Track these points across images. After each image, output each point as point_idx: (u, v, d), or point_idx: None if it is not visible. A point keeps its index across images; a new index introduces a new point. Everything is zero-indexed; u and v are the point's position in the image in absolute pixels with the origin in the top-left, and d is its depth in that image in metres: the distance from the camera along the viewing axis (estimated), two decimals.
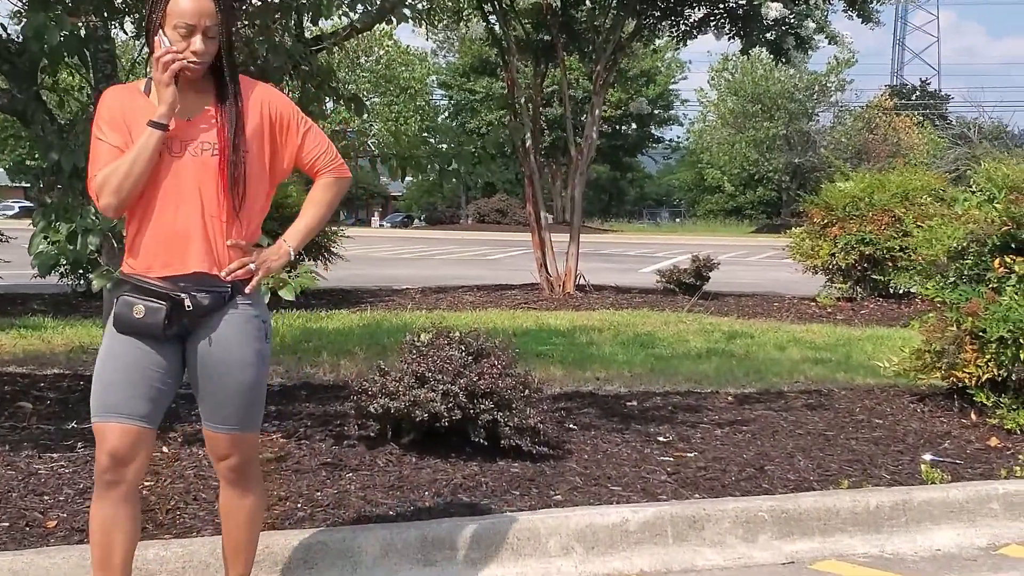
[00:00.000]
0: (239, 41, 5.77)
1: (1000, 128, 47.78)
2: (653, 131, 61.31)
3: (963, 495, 4.57)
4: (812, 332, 10.54)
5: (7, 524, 3.82)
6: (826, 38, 14.52)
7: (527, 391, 4.92)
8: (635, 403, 6.42)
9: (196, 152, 2.87)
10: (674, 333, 10.09)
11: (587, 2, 13.97)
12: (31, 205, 5.36)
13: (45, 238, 4.57)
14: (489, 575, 3.82)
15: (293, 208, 9.25)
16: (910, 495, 4.52)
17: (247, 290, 2.95)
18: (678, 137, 71.27)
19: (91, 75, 5.25)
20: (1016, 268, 5.93)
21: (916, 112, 59.84)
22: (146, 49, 3.02)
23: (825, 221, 13.62)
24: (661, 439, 5.45)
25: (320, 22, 5.86)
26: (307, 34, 6.26)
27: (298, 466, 4.66)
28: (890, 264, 12.87)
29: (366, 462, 4.75)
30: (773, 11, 12.62)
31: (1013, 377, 5.79)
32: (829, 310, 12.90)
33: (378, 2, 5.71)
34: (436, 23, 17.58)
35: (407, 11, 5.74)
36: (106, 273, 4.34)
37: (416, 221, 61.88)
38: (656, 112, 57.96)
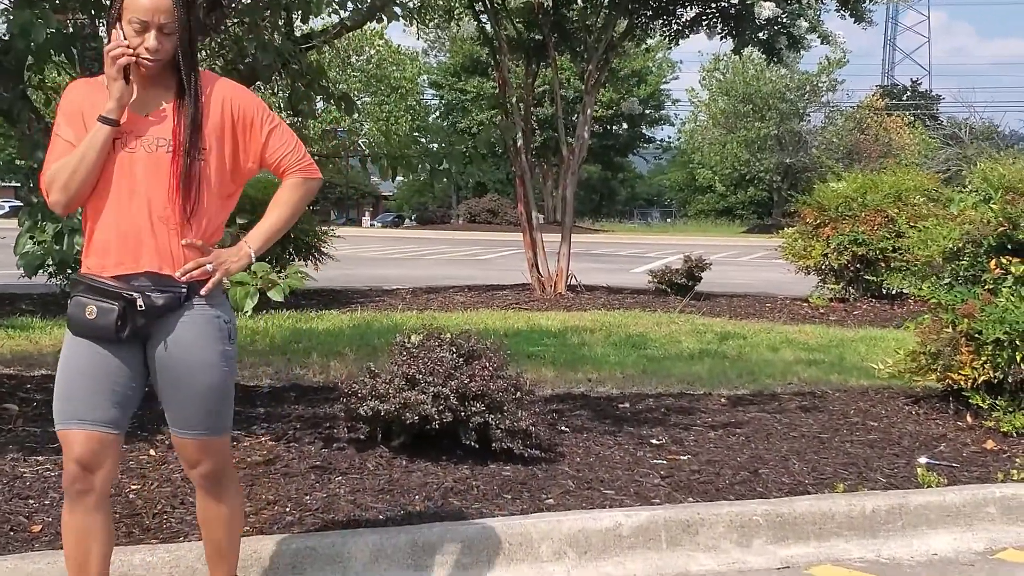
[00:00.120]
0: (228, 39, 5.74)
1: (991, 128, 47.91)
2: (644, 131, 61.46)
3: (959, 499, 4.54)
4: (805, 333, 10.51)
5: None
6: (819, 38, 14.48)
7: (519, 393, 4.87)
8: (627, 405, 6.37)
9: (150, 148, 2.79)
10: (666, 334, 10.05)
11: (579, 1, 13.91)
12: (22, 204, 5.30)
13: (31, 238, 4.52)
14: None
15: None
16: (906, 499, 4.48)
17: (203, 292, 2.85)
18: (669, 137, 71.38)
19: (78, 73, 5.18)
20: (1012, 269, 5.90)
21: (907, 112, 59.99)
22: None
23: (818, 221, 13.60)
24: (654, 442, 5.41)
25: (310, 20, 5.81)
26: (297, 32, 6.22)
27: (287, 469, 4.60)
28: (883, 265, 12.82)
29: (356, 465, 4.69)
30: (766, 10, 12.57)
31: (1009, 379, 5.76)
32: (822, 311, 12.88)
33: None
34: (427, 22, 17.55)
35: (398, 9, 5.70)
36: None
37: (407, 221, 61.79)
38: (647, 112, 58.15)
